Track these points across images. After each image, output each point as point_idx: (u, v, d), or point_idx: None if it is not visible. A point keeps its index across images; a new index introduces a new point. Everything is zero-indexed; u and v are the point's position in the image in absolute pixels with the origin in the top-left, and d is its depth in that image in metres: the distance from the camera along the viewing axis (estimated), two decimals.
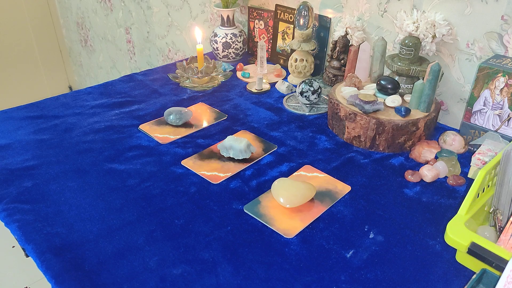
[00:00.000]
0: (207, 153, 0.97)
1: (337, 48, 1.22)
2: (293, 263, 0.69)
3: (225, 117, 1.12)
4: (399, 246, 0.72)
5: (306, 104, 1.15)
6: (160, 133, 1.04)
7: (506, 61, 0.90)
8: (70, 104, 1.17)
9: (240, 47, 1.45)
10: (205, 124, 1.09)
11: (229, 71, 1.35)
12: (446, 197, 0.84)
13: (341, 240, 0.73)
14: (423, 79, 0.96)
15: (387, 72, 1.11)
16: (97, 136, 1.02)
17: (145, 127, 1.06)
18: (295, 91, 1.23)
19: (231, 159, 0.94)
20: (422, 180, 0.89)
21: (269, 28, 1.45)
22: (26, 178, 0.87)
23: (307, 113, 1.14)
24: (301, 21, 1.20)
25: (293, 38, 1.35)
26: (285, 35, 1.40)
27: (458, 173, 0.90)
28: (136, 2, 2.11)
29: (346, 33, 1.19)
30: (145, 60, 2.27)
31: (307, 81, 1.11)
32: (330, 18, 1.27)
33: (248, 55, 1.53)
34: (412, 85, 1.03)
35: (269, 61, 1.46)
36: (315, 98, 1.12)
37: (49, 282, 0.66)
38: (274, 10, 1.41)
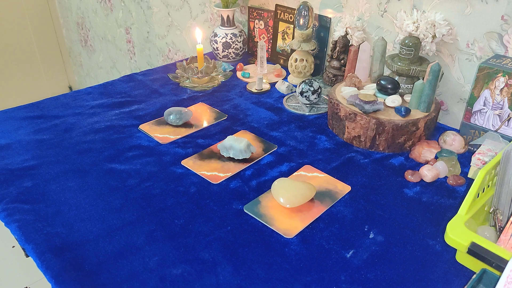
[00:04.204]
0: (207, 153, 0.97)
1: (337, 48, 1.22)
2: (293, 263, 0.69)
3: (225, 117, 1.12)
4: (399, 246, 0.72)
5: (306, 104, 1.15)
6: (160, 133, 1.04)
7: (506, 61, 0.90)
8: (70, 104, 1.17)
9: (240, 47, 1.45)
10: (205, 124, 1.09)
11: (229, 71, 1.35)
12: (446, 197, 0.84)
13: (341, 240, 0.73)
14: (423, 79, 0.96)
15: (387, 72, 1.11)
16: (97, 136, 1.02)
17: (145, 127, 1.06)
18: (295, 91, 1.23)
19: (231, 159, 0.94)
20: (422, 180, 0.89)
21: (269, 28, 1.45)
22: (26, 178, 0.87)
23: (307, 113, 1.14)
24: (301, 21, 1.20)
25: (293, 38, 1.35)
26: (285, 35, 1.40)
27: (458, 173, 0.90)
28: (136, 2, 2.11)
29: (346, 33, 1.19)
30: (145, 60, 2.27)
31: (307, 81, 1.11)
32: (330, 18, 1.27)
33: (248, 55, 1.53)
34: (412, 85, 1.03)
35: (269, 61, 1.46)
36: (315, 98, 1.12)
37: (49, 282, 0.66)
38: (274, 10, 1.41)
